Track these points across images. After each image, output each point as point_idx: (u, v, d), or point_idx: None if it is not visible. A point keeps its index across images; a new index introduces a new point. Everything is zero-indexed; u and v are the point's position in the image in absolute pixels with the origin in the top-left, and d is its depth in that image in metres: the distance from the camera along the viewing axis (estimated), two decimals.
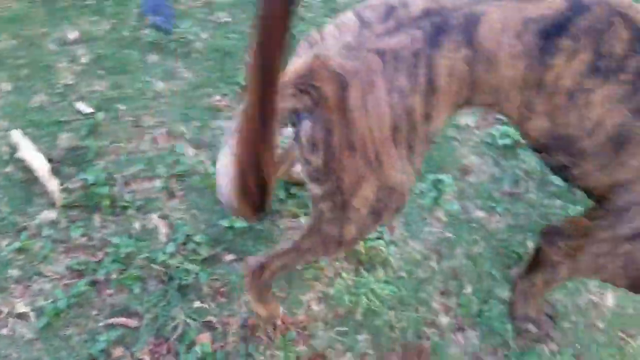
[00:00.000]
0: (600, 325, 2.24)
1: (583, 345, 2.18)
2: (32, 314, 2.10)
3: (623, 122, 1.46)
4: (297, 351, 2.14)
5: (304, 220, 2.38)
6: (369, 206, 1.62)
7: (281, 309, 2.20)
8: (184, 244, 2.27)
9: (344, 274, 2.29)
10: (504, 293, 2.28)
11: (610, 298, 2.31)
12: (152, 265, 2.21)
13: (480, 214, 2.51)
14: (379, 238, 2.36)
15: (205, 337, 2.12)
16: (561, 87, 1.47)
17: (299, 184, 2.46)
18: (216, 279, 2.23)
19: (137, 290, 2.16)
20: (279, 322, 2.19)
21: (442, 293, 2.32)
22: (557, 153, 1.61)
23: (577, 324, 2.23)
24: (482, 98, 1.55)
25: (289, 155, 2.28)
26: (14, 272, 2.19)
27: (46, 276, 2.19)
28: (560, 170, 1.68)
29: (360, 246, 2.32)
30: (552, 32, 1.44)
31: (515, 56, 1.46)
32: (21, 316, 2.11)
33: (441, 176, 2.54)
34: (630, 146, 1.50)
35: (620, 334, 2.23)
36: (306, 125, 1.49)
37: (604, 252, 1.72)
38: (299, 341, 2.17)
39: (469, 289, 2.32)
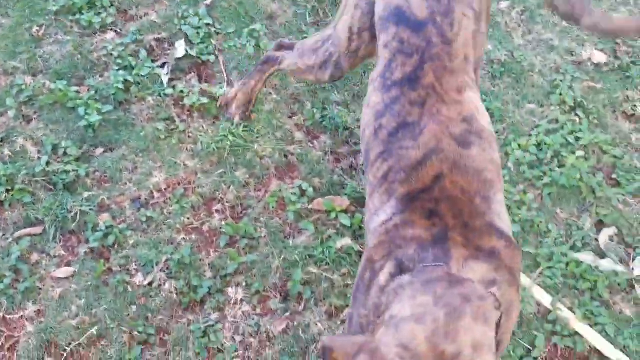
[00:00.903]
0: None
1: None
2: None
3: None
4: (190, 201, 2.45)
5: (152, 100, 2.66)
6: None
7: (162, 175, 2.50)
8: (54, 153, 2.49)
9: (204, 129, 2.61)
10: (336, 97, 2.71)
11: None
12: (34, 178, 2.41)
13: None
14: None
15: (105, 217, 2.38)
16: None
17: None
18: (95, 171, 2.48)
19: (29, 201, 2.37)
20: (164, 187, 2.49)
21: (291, 116, 2.70)
22: None
23: None
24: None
25: None
26: None
27: None
28: None
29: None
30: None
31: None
32: None
33: (253, 26, 2.89)
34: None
35: None
36: None
37: None
38: (188, 194, 2.48)
39: (308, 105, 2.72)
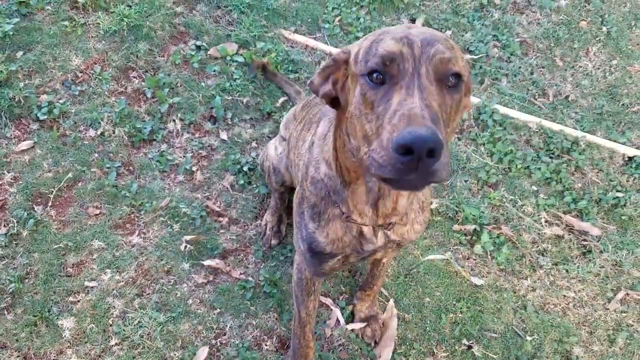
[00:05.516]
0: None
1: None
2: None
3: None
4: (109, 74, 2.89)
5: (50, 8, 3.04)
6: None
7: (79, 60, 2.90)
8: None
9: (101, 18, 3.04)
10: None
11: None
12: None
13: None
14: None
15: (44, 97, 2.76)
16: None
17: None
18: (23, 67, 2.84)
19: None
20: (83, 67, 2.90)
21: None
22: None
23: None
24: None
25: None
26: None
27: None
28: None
29: None
30: None
31: None
32: None
33: None
34: None
35: None
36: None
37: None
38: (105, 69, 2.92)
39: None
